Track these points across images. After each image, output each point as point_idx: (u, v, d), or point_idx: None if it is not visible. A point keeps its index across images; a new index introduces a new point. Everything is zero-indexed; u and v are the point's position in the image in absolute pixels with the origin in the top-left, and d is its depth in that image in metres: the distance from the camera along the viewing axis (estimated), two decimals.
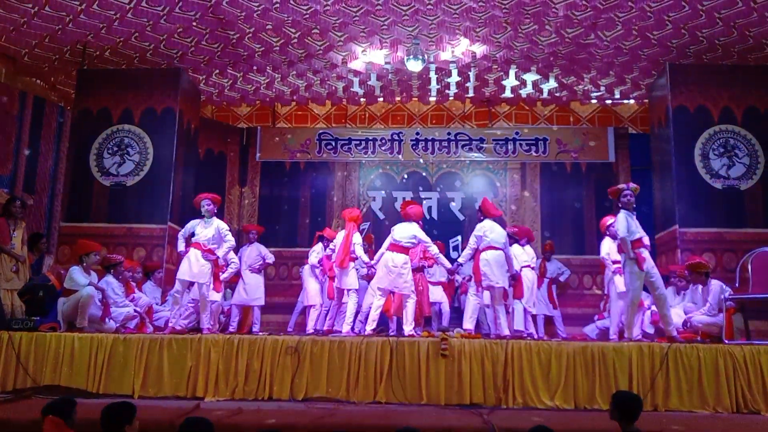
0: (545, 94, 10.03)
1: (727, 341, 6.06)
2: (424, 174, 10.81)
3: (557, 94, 10.06)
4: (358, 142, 10.79)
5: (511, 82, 9.70)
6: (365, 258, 7.17)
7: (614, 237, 6.88)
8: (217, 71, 9.36)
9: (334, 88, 10.00)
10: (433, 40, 8.41)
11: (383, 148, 10.75)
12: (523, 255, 7.94)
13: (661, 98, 8.77)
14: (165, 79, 8.76)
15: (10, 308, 6.73)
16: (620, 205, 6.40)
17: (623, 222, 6.23)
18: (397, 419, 4.90)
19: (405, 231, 6.90)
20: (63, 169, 9.17)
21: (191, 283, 6.71)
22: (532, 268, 8.11)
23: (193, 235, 6.85)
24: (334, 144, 10.81)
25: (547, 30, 8.06)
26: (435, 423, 4.85)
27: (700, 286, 6.92)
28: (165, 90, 8.70)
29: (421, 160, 10.76)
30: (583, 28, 7.99)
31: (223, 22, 7.94)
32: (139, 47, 8.46)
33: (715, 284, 6.68)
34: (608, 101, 10.53)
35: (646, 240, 6.46)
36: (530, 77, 9.56)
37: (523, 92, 10.00)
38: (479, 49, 8.62)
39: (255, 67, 9.24)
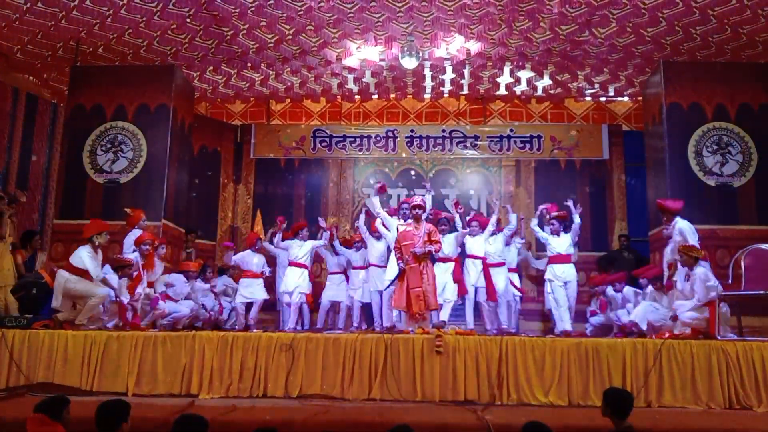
0: (539, 92, 10.04)
1: (720, 337, 6.06)
2: (419, 171, 10.81)
3: (551, 92, 10.07)
4: (352, 140, 10.77)
5: (505, 79, 9.70)
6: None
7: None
8: (211, 68, 9.32)
9: (328, 84, 9.98)
10: (427, 36, 8.40)
11: (378, 146, 10.74)
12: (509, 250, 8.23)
13: (655, 95, 8.79)
14: (159, 76, 8.71)
15: (3, 305, 6.69)
16: None
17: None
18: (391, 416, 4.91)
19: None
20: (56, 166, 9.14)
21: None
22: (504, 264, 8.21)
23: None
24: (328, 141, 10.79)
25: (541, 27, 8.07)
26: (429, 419, 4.86)
27: (686, 271, 6.50)
28: (159, 87, 8.64)
29: (416, 157, 10.76)
30: (578, 25, 8.00)
31: (217, 19, 7.90)
32: (132, 44, 8.42)
33: (699, 271, 6.28)
34: (602, 98, 10.55)
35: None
36: (525, 74, 9.57)
37: (518, 89, 10.00)
38: (474, 46, 8.61)
39: (249, 64, 9.21)
